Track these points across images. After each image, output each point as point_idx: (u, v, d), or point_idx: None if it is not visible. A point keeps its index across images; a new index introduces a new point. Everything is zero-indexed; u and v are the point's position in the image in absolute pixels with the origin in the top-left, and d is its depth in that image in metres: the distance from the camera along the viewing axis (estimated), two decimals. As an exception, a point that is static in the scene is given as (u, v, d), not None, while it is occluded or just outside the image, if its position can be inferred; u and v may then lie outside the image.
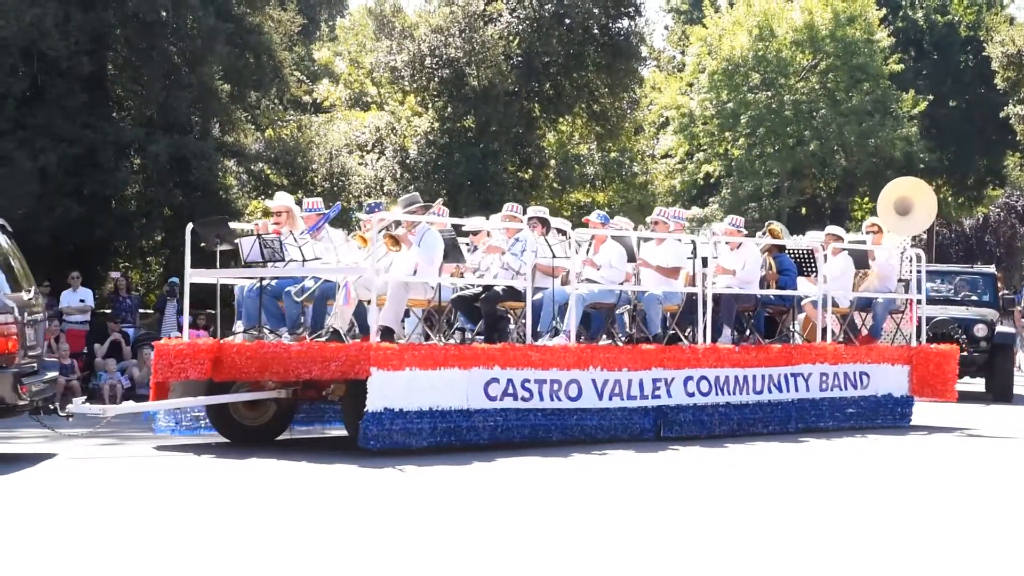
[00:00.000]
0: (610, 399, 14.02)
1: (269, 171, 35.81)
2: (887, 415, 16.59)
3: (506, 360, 13.20)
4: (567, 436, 13.69)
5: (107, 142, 26.81)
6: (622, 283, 14.98)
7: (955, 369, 17.26)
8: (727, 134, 41.78)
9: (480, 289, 14.14)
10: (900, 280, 17.51)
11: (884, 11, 42.98)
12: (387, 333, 13.00)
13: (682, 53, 49.52)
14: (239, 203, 31.61)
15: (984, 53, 44.16)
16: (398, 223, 13.75)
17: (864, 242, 18.07)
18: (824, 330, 16.33)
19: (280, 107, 35.97)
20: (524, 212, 15.52)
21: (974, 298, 22.76)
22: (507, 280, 14.10)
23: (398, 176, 36.30)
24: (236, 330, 14.14)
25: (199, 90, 29.41)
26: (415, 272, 13.46)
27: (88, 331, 22.39)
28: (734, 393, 15.04)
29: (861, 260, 17.20)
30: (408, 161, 36.60)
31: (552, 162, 40.53)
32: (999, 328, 21.90)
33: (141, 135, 27.66)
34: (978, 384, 22.43)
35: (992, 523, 9.30)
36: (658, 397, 14.43)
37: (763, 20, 41.54)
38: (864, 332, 17.39)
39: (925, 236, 55.34)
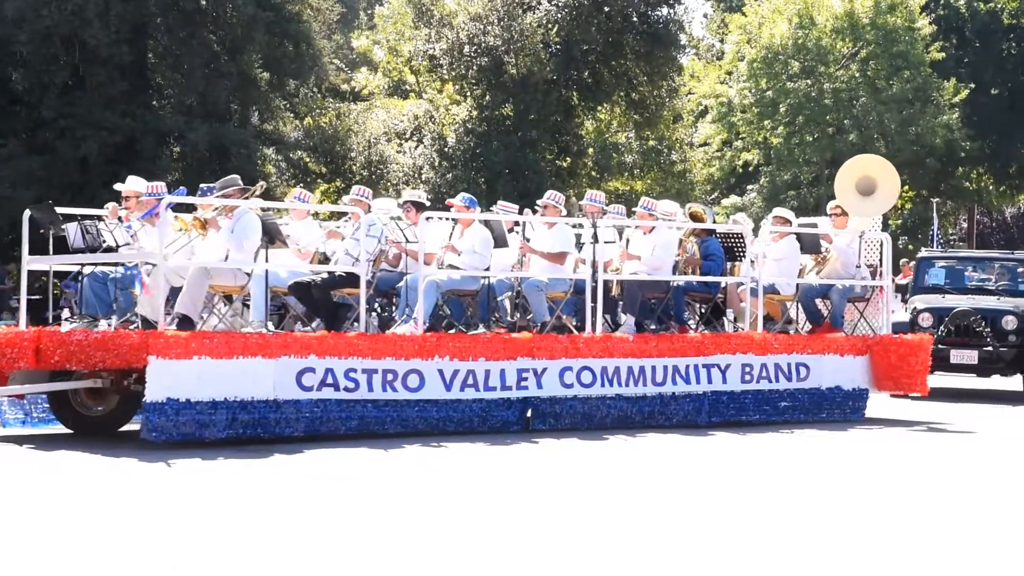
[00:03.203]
0: (462, 390, 13.15)
1: (308, 159, 35.99)
2: (834, 409, 15.33)
3: (324, 349, 12.43)
4: (407, 428, 12.87)
5: (147, 130, 26.99)
6: (487, 269, 14.21)
7: (925, 361, 15.75)
8: (766, 122, 41.58)
9: (324, 275, 13.63)
10: (868, 266, 16.26)
11: (925, -2, 42.73)
12: (185, 321, 12.38)
13: (721, 41, 49.30)
14: (279, 191, 31.77)
15: (1027, 40, 43.86)
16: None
17: (815, 225, 16.87)
18: (765, 317, 15.39)
19: (319, 95, 36.12)
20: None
21: (1010, 287, 20.31)
22: (345, 266, 13.57)
23: (436, 164, 36.36)
24: (63, 317, 14.02)
25: (238, 78, 29.57)
26: (227, 257, 12.88)
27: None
28: (627, 384, 14.04)
29: (811, 245, 15.94)
30: (446, 149, 36.65)
31: (590, 150, 40.53)
32: None
33: (181, 123, 27.82)
34: (1014, 383, 19.70)
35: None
36: (525, 388, 13.50)
37: (803, 8, 41.29)
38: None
39: (966, 225, 54.96)
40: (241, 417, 11.96)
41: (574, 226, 15.27)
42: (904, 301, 21.09)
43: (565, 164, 38.64)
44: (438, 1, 37.93)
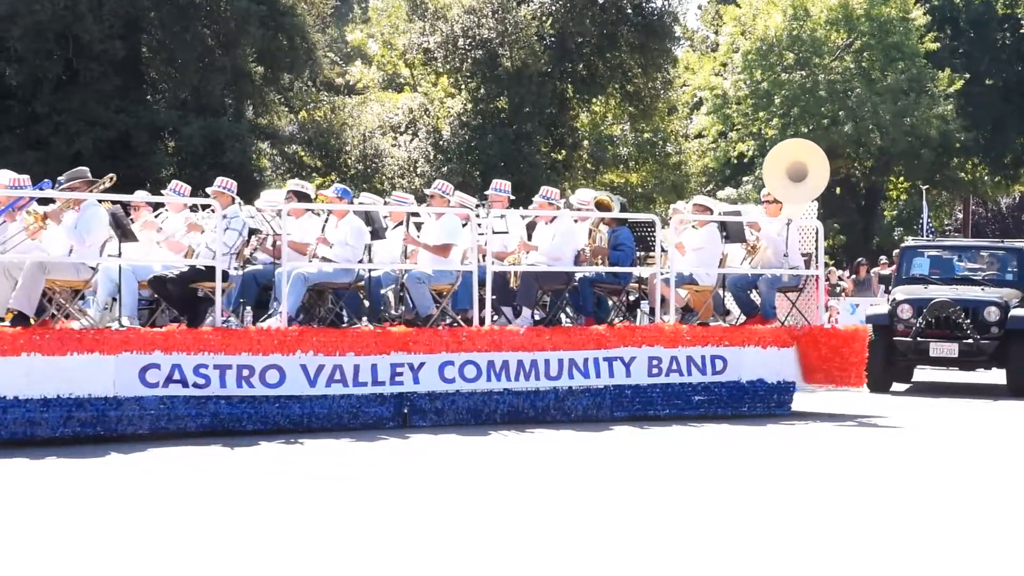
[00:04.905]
0: (328, 385, 12.73)
1: (303, 153, 36.03)
2: (757, 403, 14.69)
3: (170, 344, 12.03)
4: (268, 425, 12.44)
5: (141, 125, 27.03)
6: (360, 261, 13.85)
7: (861, 353, 15.11)
8: (761, 114, 41.63)
9: (186, 269, 13.20)
10: (803, 255, 15.67)
11: (920, -11, 42.72)
12: (20, 318, 11.99)
13: (716, 33, 49.33)
14: (273, 185, 31.81)
15: (1022, 31, 43.87)
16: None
17: (739, 213, 16.25)
18: (684, 308, 15.04)
19: (313, 89, 36.12)
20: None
21: (998, 277, 19.30)
22: (205, 260, 13.19)
23: (431, 157, 36.40)
24: None
25: (233, 72, 29.62)
26: (71, 251, 12.53)
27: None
28: (517, 379, 13.55)
29: (736, 234, 15.30)
30: (441, 142, 36.69)
31: (585, 143, 40.55)
32: (1014, 311, 17.88)
33: (175, 118, 27.86)
34: (999, 376, 18.74)
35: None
36: (400, 383, 13.06)
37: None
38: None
39: (961, 215, 54.97)
40: (78, 415, 11.65)
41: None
42: (887, 292, 20.55)
43: (560, 157, 38.68)
44: (432, -6, 38.00)
